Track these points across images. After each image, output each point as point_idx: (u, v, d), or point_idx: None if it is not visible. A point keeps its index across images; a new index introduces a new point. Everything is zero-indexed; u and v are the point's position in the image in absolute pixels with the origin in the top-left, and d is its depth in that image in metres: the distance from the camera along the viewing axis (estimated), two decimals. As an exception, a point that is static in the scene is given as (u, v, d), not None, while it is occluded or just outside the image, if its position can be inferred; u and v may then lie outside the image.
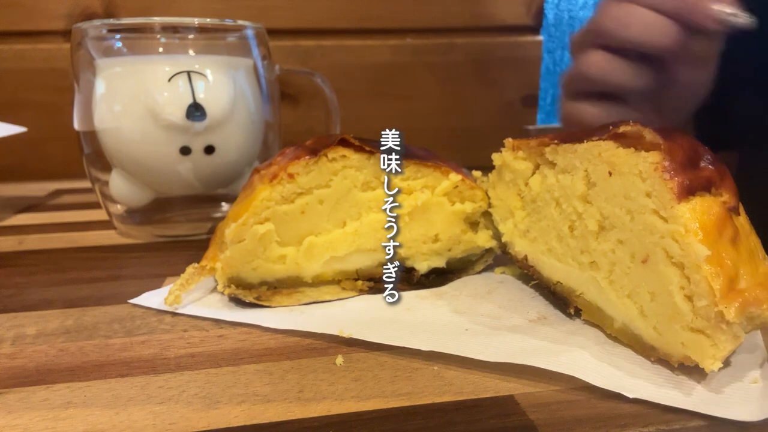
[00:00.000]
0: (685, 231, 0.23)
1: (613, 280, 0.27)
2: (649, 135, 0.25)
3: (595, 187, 0.28)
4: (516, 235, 0.33)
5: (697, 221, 0.23)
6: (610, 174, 0.26)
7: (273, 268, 0.32)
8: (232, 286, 0.31)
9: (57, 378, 0.24)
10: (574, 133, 0.29)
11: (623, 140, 0.26)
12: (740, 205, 0.25)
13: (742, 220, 0.25)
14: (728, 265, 0.22)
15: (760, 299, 0.22)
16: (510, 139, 0.33)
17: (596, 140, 0.27)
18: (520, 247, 0.33)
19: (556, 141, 0.29)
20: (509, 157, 0.33)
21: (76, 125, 0.42)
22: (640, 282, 0.25)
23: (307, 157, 0.31)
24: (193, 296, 0.32)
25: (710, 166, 0.24)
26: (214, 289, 0.32)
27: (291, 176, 0.31)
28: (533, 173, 0.32)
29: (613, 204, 0.26)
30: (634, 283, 0.26)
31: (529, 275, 0.33)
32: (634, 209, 0.25)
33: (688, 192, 0.23)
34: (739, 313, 0.21)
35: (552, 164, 0.30)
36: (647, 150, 0.25)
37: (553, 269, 0.31)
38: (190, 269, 0.31)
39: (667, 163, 0.24)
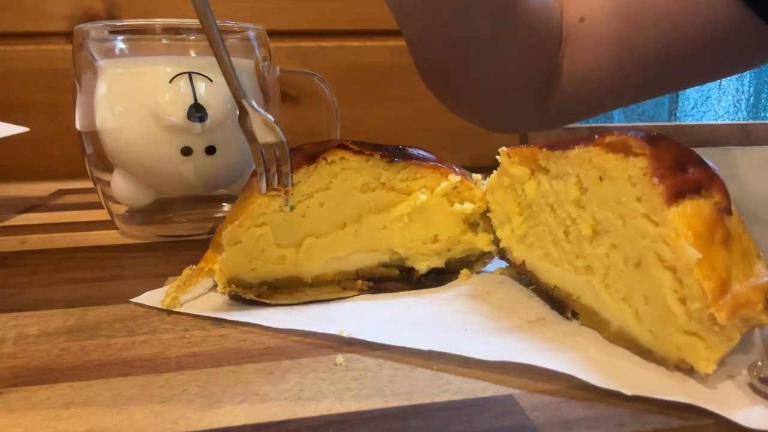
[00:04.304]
0: (676, 234, 0.23)
1: (608, 284, 0.27)
2: (634, 143, 0.25)
3: (587, 192, 0.28)
4: (513, 241, 0.34)
5: (688, 224, 0.23)
6: (601, 179, 0.26)
7: (272, 269, 0.32)
8: (233, 285, 0.31)
9: (59, 377, 0.24)
10: (561, 141, 0.29)
11: (611, 146, 0.26)
12: (732, 205, 0.25)
13: (735, 220, 0.25)
14: (720, 267, 0.22)
15: (752, 301, 0.22)
16: (504, 148, 0.33)
17: (586, 146, 0.27)
18: (518, 253, 0.33)
19: (544, 149, 0.30)
20: (506, 162, 0.33)
21: (78, 126, 0.43)
22: (634, 285, 0.25)
23: (306, 165, 0.32)
24: (194, 295, 0.32)
25: (698, 169, 0.25)
26: (215, 288, 0.33)
27: (287, 192, 0.31)
28: (530, 179, 0.32)
29: (606, 209, 0.27)
30: (629, 287, 0.26)
31: (528, 278, 0.33)
32: (625, 214, 0.25)
33: (677, 195, 0.23)
34: (730, 316, 0.21)
35: (545, 170, 0.31)
36: (636, 155, 0.25)
37: (550, 274, 0.31)
38: (187, 271, 0.31)
39: (655, 168, 0.24)
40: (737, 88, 1.09)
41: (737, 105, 1.07)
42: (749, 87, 1.10)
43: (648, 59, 0.49)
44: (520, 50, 0.50)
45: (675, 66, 0.50)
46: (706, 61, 0.50)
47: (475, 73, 0.51)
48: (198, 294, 0.32)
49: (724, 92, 1.08)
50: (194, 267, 0.32)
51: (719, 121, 1.00)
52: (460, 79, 0.52)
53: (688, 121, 1.02)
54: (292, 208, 0.32)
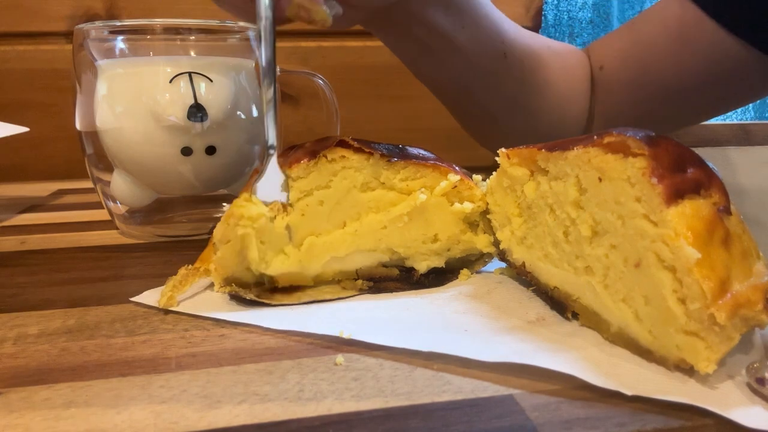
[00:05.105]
0: (675, 234, 0.23)
1: (608, 285, 0.27)
2: (633, 143, 0.25)
3: (586, 193, 0.28)
4: (513, 242, 0.34)
5: (687, 224, 0.23)
6: (600, 180, 0.26)
7: (268, 267, 0.32)
8: (232, 284, 0.31)
9: (59, 377, 0.24)
10: (560, 142, 0.29)
11: (610, 147, 0.26)
12: (732, 205, 0.25)
13: (735, 220, 0.25)
14: (719, 267, 0.22)
15: (752, 301, 0.22)
16: (503, 149, 0.33)
17: (585, 147, 0.27)
18: (518, 254, 0.33)
19: (543, 150, 0.30)
20: (506, 163, 0.33)
21: (78, 126, 0.43)
22: (634, 286, 0.25)
23: (307, 159, 0.32)
24: (194, 295, 0.32)
25: (698, 169, 0.25)
26: (214, 287, 0.33)
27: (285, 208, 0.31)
28: (530, 180, 0.32)
29: (605, 209, 0.27)
30: (628, 287, 0.26)
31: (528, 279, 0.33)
32: (624, 214, 0.25)
33: (676, 195, 0.23)
34: (730, 316, 0.21)
35: (545, 171, 0.31)
36: (635, 156, 0.25)
37: (549, 275, 0.31)
38: (182, 270, 0.31)
39: (654, 168, 0.24)
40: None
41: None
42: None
43: (660, 96, 0.54)
44: (550, 105, 0.56)
45: (686, 101, 0.54)
46: (714, 94, 0.53)
47: (510, 126, 0.56)
48: (198, 294, 0.32)
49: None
50: (190, 266, 0.31)
51: (721, 122, 1.00)
52: (498, 132, 0.58)
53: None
54: (291, 206, 0.32)
